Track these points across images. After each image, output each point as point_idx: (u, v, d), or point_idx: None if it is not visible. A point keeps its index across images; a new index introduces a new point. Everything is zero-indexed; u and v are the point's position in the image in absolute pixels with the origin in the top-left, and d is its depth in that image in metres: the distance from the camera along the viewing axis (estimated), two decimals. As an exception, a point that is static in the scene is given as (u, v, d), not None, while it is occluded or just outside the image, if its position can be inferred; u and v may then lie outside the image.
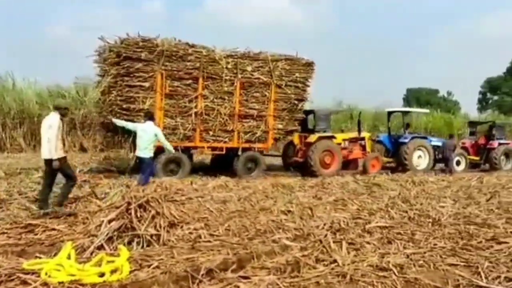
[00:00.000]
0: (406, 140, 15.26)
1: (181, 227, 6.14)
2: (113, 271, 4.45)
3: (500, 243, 5.76)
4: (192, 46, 11.69)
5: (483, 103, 56.38)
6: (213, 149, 12.38)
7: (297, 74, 12.89)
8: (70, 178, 7.33)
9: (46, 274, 4.29)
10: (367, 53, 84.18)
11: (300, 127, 13.77)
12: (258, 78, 12.41)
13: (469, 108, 60.26)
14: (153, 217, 5.80)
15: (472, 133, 18.90)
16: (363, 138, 15.05)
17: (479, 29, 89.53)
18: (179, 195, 8.54)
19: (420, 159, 15.40)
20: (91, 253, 5.08)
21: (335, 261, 4.96)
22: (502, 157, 17.40)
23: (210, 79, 11.83)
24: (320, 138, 13.48)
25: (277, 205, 7.91)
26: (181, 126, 11.60)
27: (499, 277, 4.53)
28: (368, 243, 5.74)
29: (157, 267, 4.67)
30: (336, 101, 26.46)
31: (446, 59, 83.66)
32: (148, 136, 8.92)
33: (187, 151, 12.06)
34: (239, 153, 12.44)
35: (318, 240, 5.76)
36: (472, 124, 19.97)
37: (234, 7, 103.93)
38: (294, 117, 13.16)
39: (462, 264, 4.98)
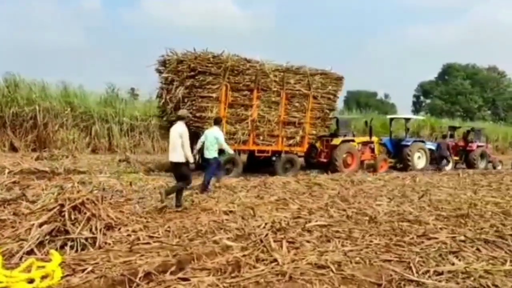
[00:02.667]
0: (409, 143, 17.44)
1: (119, 229, 5.96)
2: (43, 277, 4.21)
3: (430, 238, 6.07)
4: (249, 61, 13.16)
5: (416, 106, 59.56)
6: (261, 151, 13.86)
7: (329, 87, 14.71)
8: (186, 180, 8.05)
9: (-31, 282, 3.99)
10: (305, 54, 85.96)
11: None
12: (299, 90, 14.09)
13: (405, 110, 63.20)
14: (88, 220, 5.57)
15: (451, 136, 20.56)
16: (372, 142, 16.93)
17: (414, 35, 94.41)
18: (118, 196, 8.33)
19: (419, 160, 17.60)
20: (20, 259, 4.80)
21: (275, 260, 5.00)
22: (479, 158, 19.71)
23: (262, 91, 13.43)
24: (343, 141, 15.46)
25: (219, 206, 7.87)
26: (239, 131, 13.06)
27: (428, 271, 4.75)
28: (307, 241, 5.84)
29: (92, 271, 4.48)
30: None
31: (383, 63, 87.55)
32: (210, 139, 9.75)
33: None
34: (282, 155, 14.07)
35: (259, 239, 5.78)
36: (452, 128, 22.06)
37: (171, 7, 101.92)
38: (325, 124, 15.18)
39: (395, 259, 5.19)
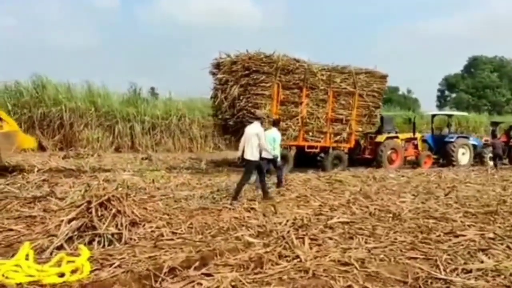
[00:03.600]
0: (452, 140, 17.36)
1: (143, 225, 6.04)
2: (73, 271, 4.32)
3: (457, 236, 5.94)
4: (298, 61, 13.75)
5: (441, 101, 58.34)
6: (310, 147, 14.38)
7: (374, 85, 15.19)
8: (263, 175, 8.77)
9: (3, 275, 4.13)
10: (324, 49, 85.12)
11: None
12: (345, 88, 14.59)
13: (428, 105, 61.99)
14: (114, 216, 5.65)
15: (493, 131, 20.28)
16: (415, 138, 17.19)
17: (435, 27, 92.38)
18: (141, 193, 8.45)
19: (463, 156, 17.44)
20: (51, 253, 4.93)
21: (297, 256, 4.98)
22: None
23: (310, 89, 13.99)
24: (388, 138, 15.87)
25: (240, 203, 7.89)
26: (290, 128, 13.63)
27: (456, 269, 4.65)
28: (330, 238, 5.81)
29: (119, 266, 4.56)
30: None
31: (404, 57, 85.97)
32: (269, 139, 9.46)
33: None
34: (330, 151, 14.64)
35: (280, 236, 5.77)
36: (494, 123, 21.57)
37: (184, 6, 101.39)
38: (371, 121, 15.51)
39: (422, 257, 5.10)
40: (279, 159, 9.93)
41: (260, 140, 8.30)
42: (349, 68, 14.78)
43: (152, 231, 5.90)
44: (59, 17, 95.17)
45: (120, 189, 7.75)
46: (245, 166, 8.60)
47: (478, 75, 54.27)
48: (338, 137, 14.75)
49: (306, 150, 14.41)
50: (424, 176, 12.98)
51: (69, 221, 5.50)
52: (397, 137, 16.46)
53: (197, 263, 4.63)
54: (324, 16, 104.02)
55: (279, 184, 9.87)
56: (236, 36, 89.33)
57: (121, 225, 5.57)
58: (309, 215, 7.14)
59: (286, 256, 5.02)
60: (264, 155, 9.00)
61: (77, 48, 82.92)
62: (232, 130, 13.73)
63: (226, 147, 22.32)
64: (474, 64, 56.63)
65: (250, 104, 12.90)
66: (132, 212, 5.92)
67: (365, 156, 16.07)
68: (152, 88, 28.65)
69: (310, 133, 14.24)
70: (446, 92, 59.02)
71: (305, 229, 6.22)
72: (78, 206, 5.78)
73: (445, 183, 11.23)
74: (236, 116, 13.11)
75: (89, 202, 5.67)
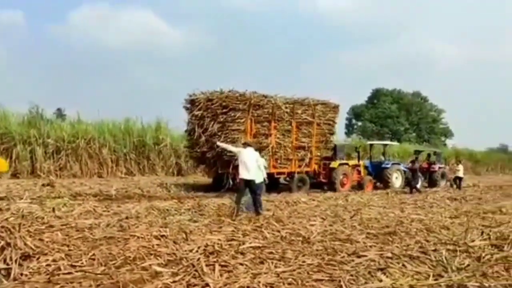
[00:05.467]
0: (388, 166, 19.67)
1: (38, 258, 5.51)
2: None
3: (360, 256, 6.21)
4: (266, 96, 15.11)
5: (349, 129, 61.98)
6: (279, 173, 15.92)
7: (329, 115, 17.09)
8: (256, 191, 9.78)
9: None
10: (241, 77, 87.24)
11: None
12: (306, 119, 16.26)
13: (338, 133, 65.34)
14: (2, 249, 5.11)
15: (416, 159, 21.52)
16: (359, 165, 18.97)
17: (345, 60, 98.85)
18: (38, 223, 7.78)
19: (396, 180, 19.67)
20: None
21: (207, 285, 4.87)
22: (440, 178, 22.03)
23: (277, 121, 15.41)
24: (340, 164, 17.38)
25: (150, 230, 7.57)
26: (263, 158, 13.80)
27: (358, 288, 4.84)
28: (241, 264, 5.75)
29: (4, 306, 4.08)
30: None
31: (316, 87, 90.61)
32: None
33: None
34: (295, 175, 16.04)
35: (190, 264, 5.61)
36: (417, 152, 24.26)
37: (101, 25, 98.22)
38: (327, 147, 17.44)
39: (327, 278, 5.24)
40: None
41: (259, 163, 9.79)
42: (307, 100, 16.41)
43: (47, 265, 5.39)
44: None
45: (11, 219, 7.05)
46: (246, 185, 9.65)
47: (380, 105, 58.63)
48: (301, 163, 16.25)
49: (276, 176, 15.74)
50: (332, 200, 13.54)
51: None
52: (347, 164, 18.08)
53: (96, 298, 4.31)
54: (249, 42, 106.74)
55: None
56: (156, 58, 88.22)
57: (11, 259, 5.03)
58: (221, 241, 7.03)
59: (195, 285, 4.89)
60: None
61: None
62: (210, 162, 15.01)
63: (139, 172, 21.58)
64: (377, 95, 61.17)
65: (228, 139, 14.00)
66: (25, 244, 5.40)
67: (319, 180, 17.44)
68: (59, 109, 26.95)
69: (279, 161, 15.57)
70: (353, 121, 62.94)
71: (216, 255, 6.11)
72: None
73: (351, 206, 11.79)
74: (215, 150, 14.08)
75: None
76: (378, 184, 19.72)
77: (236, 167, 10.97)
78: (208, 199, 12.40)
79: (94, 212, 9.49)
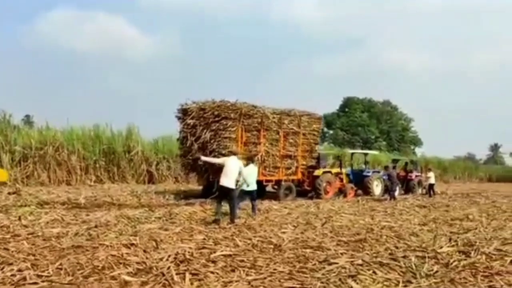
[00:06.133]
0: (369, 174, 20.45)
1: (2, 268, 5.35)
2: None
3: (331, 264, 6.25)
4: (255, 107, 15.66)
5: (321, 137, 62.57)
6: (267, 181, 16.52)
7: (314, 125, 17.83)
8: (234, 200, 9.99)
9: None
10: (210, 82, 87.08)
11: None
12: (292, 129, 16.86)
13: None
14: (-37, 260, 4.90)
15: (394, 167, 22.52)
16: (341, 173, 19.54)
17: (317, 68, 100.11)
18: (3, 232, 7.54)
19: (377, 187, 20.13)
20: None
21: (177, 294, 4.79)
22: (417, 185, 22.77)
23: (266, 130, 15.95)
24: (324, 172, 18.05)
25: (119, 239, 7.43)
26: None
27: (329, 296, 4.86)
28: (212, 272, 5.70)
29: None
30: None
31: (287, 94, 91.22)
32: (249, 174, 11.05)
33: None
34: (282, 183, 16.61)
35: (160, 273, 5.52)
36: (394, 160, 25.75)
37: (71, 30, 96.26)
38: (312, 156, 17.93)
39: (298, 286, 5.25)
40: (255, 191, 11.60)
41: (241, 171, 10.10)
42: (294, 111, 17.12)
43: (12, 275, 5.23)
44: None
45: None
46: (225, 193, 9.89)
47: (351, 114, 59.61)
48: (288, 171, 16.86)
49: (264, 183, 16.33)
50: (304, 207, 13.62)
51: None
52: (330, 172, 18.73)
53: (62, 309, 4.19)
54: (220, 50, 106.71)
55: (254, 210, 11.37)
56: (127, 64, 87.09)
57: (-28, 269, 4.84)
58: (192, 249, 6.96)
59: (164, 294, 4.80)
60: (244, 187, 10.93)
61: None
62: (201, 169, 15.39)
63: (109, 180, 21.19)
64: (348, 104, 62.20)
65: (221, 146, 14.55)
66: (-12, 254, 5.20)
67: (304, 188, 18.01)
68: (27, 116, 26.21)
69: (267, 169, 16.09)
70: (325, 129, 63.71)
71: (187, 264, 6.05)
72: None
73: (323, 214, 11.89)
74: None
75: None
76: (359, 191, 20.15)
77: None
78: (179, 207, 12.28)
79: (61, 220, 9.28)
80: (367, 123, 58.66)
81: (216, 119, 14.85)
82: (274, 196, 16.34)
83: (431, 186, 20.74)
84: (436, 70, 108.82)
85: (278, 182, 16.76)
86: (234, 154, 10.54)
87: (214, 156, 13.92)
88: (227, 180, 9.81)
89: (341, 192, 18.88)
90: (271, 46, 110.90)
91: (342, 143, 51.08)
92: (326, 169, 18.77)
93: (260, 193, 15.43)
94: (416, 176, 23.19)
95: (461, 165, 50.05)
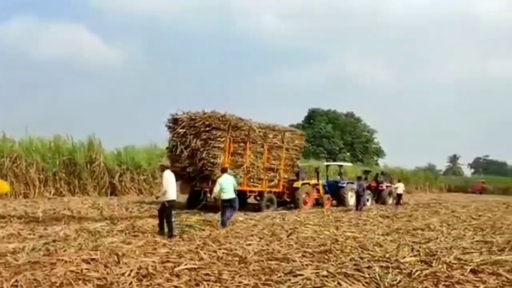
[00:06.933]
0: (344, 185, 21.09)
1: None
2: None
3: (296, 275, 6.24)
4: (242, 120, 16.24)
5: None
6: (251, 191, 16.94)
7: (296, 141, 18.68)
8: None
9: None
10: (172, 94, 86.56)
11: None
12: (276, 143, 17.59)
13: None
14: None
15: (365, 178, 23.70)
16: (318, 184, 20.22)
17: (281, 80, 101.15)
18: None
19: (351, 198, 20.62)
20: None
21: (138, 310, 4.63)
22: (387, 196, 23.33)
23: (252, 143, 16.51)
24: (303, 184, 18.78)
25: (79, 253, 7.16)
26: (238, 175, 15.52)
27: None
28: (175, 287, 5.59)
29: None
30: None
31: (252, 107, 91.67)
32: (227, 184, 11.53)
33: None
34: (265, 194, 17.18)
35: (122, 289, 5.34)
36: (366, 172, 26.65)
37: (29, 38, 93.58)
38: (293, 170, 18.77)
39: (263, 299, 5.19)
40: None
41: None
42: (278, 127, 18.02)
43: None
44: None
45: None
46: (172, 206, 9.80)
47: (316, 125, 60.43)
48: (271, 183, 17.44)
49: (248, 193, 16.96)
50: (270, 219, 13.59)
51: None
52: (308, 183, 19.40)
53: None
54: (183, 60, 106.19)
55: (224, 224, 11.36)
56: (88, 74, 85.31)
57: None
58: (155, 263, 6.80)
59: (125, 311, 4.63)
60: (224, 196, 11.41)
61: None
62: (188, 177, 15.70)
63: (69, 193, 20.50)
64: (313, 116, 63.05)
65: (210, 155, 15.10)
66: None
67: (284, 199, 18.55)
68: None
69: (252, 180, 16.62)
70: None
71: (150, 278, 5.90)
72: None
73: (288, 225, 11.89)
74: (196, 165, 15.31)
75: None
76: (335, 202, 20.84)
77: (213, 182, 12.90)
78: (142, 219, 12.00)
79: (18, 235, 8.91)
80: (331, 134, 59.54)
81: (207, 128, 15.41)
82: (255, 208, 16.76)
83: (399, 196, 21.68)
84: (397, 83, 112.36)
85: (260, 194, 17.29)
86: (167, 167, 10.25)
87: (202, 168, 15.04)
88: (174, 194, 10.01)
89: (318, 202, 19.55)
90: (236, 59, 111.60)
91: (307, 154, 51.57)
92: (305, 181, 19.36)
93: (242, 203, 15.69)
94: (387, 186, 23.93)
95: (422, 176, 51.46)
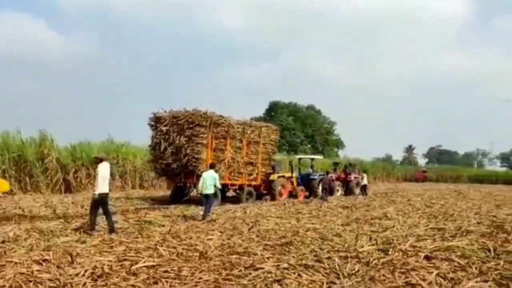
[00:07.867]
0: (315, 177, 22.15)
1: None
2: None
3: (257, 269, 6.19)
4: (222, 117, 16.98)
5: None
6: (232, 185, 17.76)
7: (272, 136, 19.76)
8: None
9: None
10: (128, 88, 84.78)
11: None
12: (253, 138, 18.57)
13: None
14: None
15: (335, 170, 26.00)
16: (292, 177, 21.21)
17: (238, 74, 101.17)
18: None
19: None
20: None
21: (93, 312, 4.43)
22: (355, 186, 24.56)
23: (232, 139, 17.35)
24: (279, 177, 19.65)
25: (29, 254, 6.82)
26: (220, 169, 16.24)
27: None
28: (132, 286, 5.42)
29: None
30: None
31: (208, 100, 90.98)
32: (209, 179, 12.24)
33: None
34: (245, 188, 17.97)
35: (75, 290, 5.11)
36: (335, 163, 28.44)
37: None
38: (270, 164, 19.72)
39: (224, 295, 5.11)
40: (219, 187, 13.32)
41: (111, 178, 9.98)
42: (255, 123, 19.36)
43: None
44: None
45: None
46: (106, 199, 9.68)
47: (277, 118, 60.78)
48: (250, 177, 18.32)
49: (229, 187, 17.81)
50: (231, 212, 13.51)
51: None
52: (284, 176, 20.28)
53: None
54: (137, 54, 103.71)
55: (205, 216, 11.73)
56: (35, 65, 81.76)
57: None
58: (111, 262, 6.56)
59: (78, 313, 4.42)
60: (205, 191, 12.11)
61: None
62: (173, 173, 16.43)
63: (20, 191, 19.59)
64: (274, 108, 63.40)
65: (194, 151, 15.79)
66: None
67: (261, 191, 19.28)
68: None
69: (232, 174, 17.44)
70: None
71: (105, 278, 5.69)
72: None
73: (249, 218, 11.84)
74: (181, 161, 15.90)
75: None
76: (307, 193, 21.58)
77: (198, 177, 13.61)
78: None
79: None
80: (292, 127, 60.09)
81: (191, 125, 16.03)
82: (235, 200, 17.49)
83: (363, 186, 23.39)
84: (354, 77, 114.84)
85: (240, 187, 18.04)
86: (101, 160, 9.82)
87: (187, 163, 15.71)
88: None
89: (292, 194, 20.36)
90: (192, 52, 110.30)
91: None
92: (280, 174, 20.14)
93: (222, 197, 16.99)
94: (355, 177, 25.06)
95: (380, 166, 52.98)
